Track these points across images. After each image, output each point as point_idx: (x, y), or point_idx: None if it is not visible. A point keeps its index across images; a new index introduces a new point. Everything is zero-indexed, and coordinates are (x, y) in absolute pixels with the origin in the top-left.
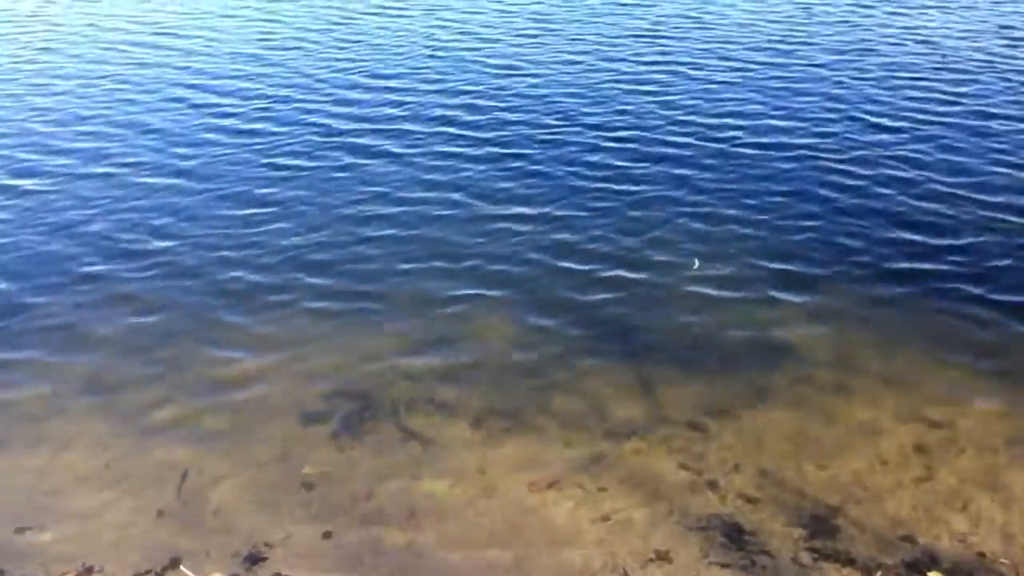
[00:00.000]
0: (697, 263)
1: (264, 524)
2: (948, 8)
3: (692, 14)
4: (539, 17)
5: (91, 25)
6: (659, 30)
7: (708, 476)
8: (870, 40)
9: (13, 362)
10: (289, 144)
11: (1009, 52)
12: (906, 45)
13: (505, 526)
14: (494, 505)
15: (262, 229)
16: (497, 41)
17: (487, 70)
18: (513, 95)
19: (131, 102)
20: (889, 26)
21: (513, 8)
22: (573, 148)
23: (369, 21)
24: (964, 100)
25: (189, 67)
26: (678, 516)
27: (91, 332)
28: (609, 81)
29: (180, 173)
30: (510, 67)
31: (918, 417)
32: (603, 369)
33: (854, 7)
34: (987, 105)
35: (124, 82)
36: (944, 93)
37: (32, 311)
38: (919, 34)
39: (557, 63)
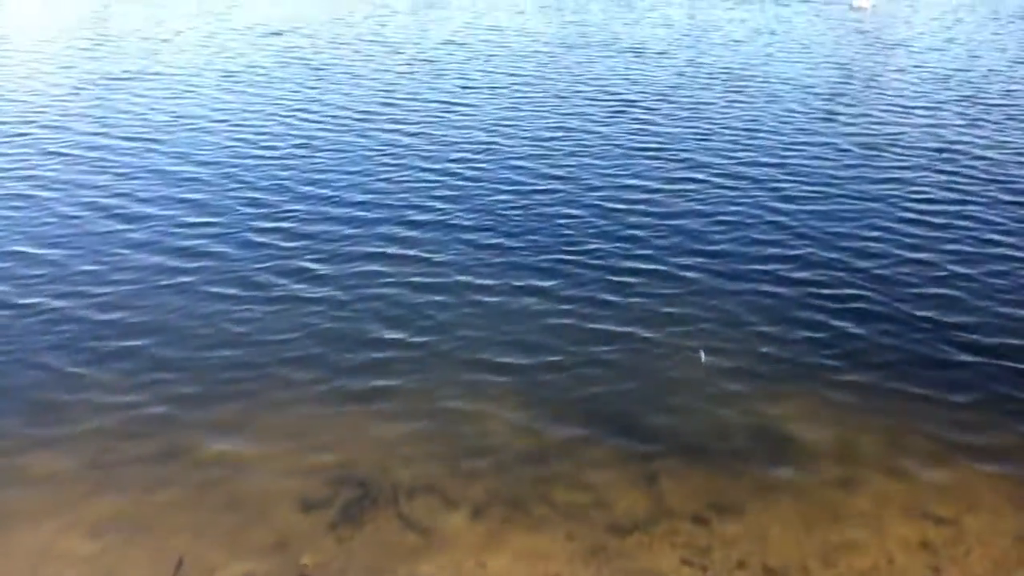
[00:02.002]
0: (703, 356)
1: None
2: (944, 121)
3: (699, 130)
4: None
5: (57, 127)
6: (661, 143)
7: (712, 572)
8: (876, 152)
9: (11, 449)
10: (251, 264)
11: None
12: (908, 160)
13: None
14: None
15: (255, 323)
16: (482, 164)
17: (458, 170)
18: (499, 201)
19: (63, 218)
20: (892, 136)
21: (486, 119)
22: (575, 243)
23: (332, 117)
24: (967, 222)
25: (135, 174)
26: None
27: (89, 418)
28: (608, 191)
29: (171, 274)
30: (483, 180)
31: (924, 513)
32: (606, 460)
33: (867, 119)
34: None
35: (48, 187)
36: (946, 214)
37: (36, 391)
38: (919, 147)
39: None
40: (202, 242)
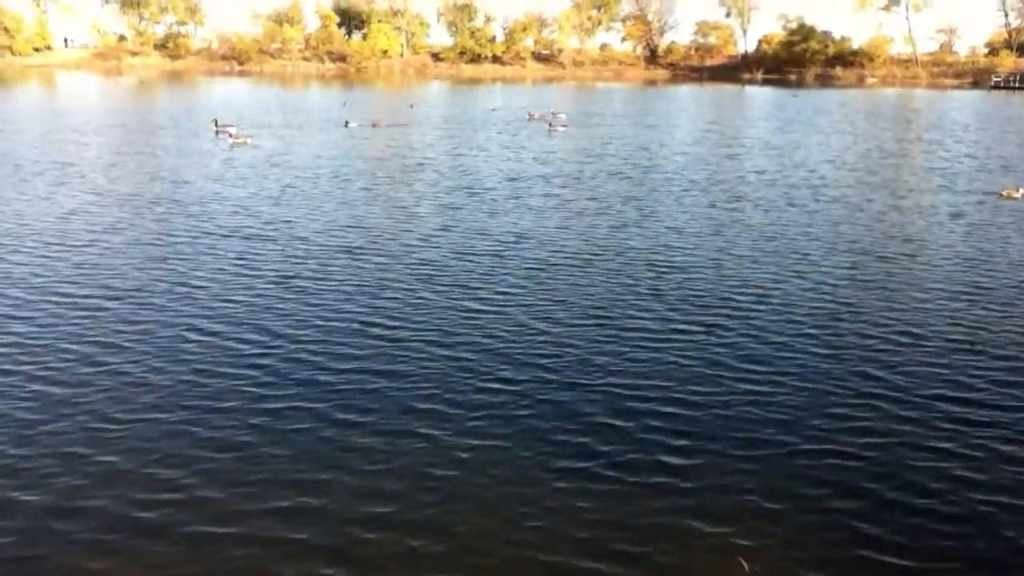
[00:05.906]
0: (747, 567)
1: None
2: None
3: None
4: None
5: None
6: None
7: None
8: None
9: None
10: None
11: None
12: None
13: None
14: None
15: (244, 511)
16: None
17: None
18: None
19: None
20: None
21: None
22: (597, 447)
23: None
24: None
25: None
26: None
27: None
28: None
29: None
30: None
31: None
32: None
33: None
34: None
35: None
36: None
37: None
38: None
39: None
40: (188, 449)
